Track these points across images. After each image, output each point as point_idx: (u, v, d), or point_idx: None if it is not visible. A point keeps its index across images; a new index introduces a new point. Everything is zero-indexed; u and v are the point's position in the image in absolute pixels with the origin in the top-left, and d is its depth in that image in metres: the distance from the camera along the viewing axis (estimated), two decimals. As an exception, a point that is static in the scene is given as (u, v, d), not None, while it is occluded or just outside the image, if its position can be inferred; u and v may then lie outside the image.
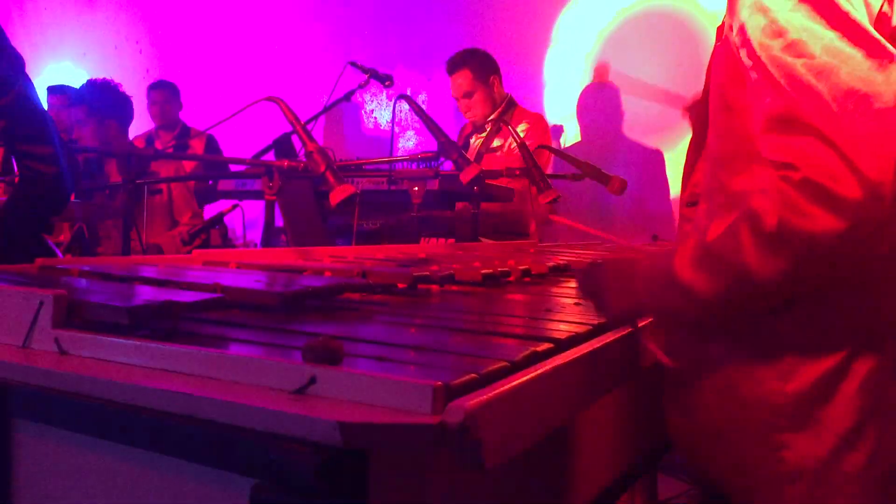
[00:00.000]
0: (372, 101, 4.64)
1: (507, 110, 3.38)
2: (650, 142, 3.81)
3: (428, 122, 2.22)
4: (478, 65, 3.34)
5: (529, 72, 4.10)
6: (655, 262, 0.89)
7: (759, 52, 0.80)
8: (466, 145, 3.45)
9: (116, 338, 0.74)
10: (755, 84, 0.81)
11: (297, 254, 1.61)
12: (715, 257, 0.81)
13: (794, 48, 0.78)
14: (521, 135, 3.23)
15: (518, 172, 2.44)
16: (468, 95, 3.37)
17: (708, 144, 0.93)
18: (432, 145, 2.76)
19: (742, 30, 0.83)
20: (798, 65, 0.77)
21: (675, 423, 0.99)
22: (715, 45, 0.94)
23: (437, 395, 0.59)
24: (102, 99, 3.30)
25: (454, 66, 3.38)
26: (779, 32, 0.79)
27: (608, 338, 0.90)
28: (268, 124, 4.94)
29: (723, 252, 0.81)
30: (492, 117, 3.31)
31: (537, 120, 3.37)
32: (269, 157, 2.74)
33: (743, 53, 0.83)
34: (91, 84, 3.35)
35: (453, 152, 2.15)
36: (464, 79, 3.35)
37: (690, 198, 1.11)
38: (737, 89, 0.86)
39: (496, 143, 3.32)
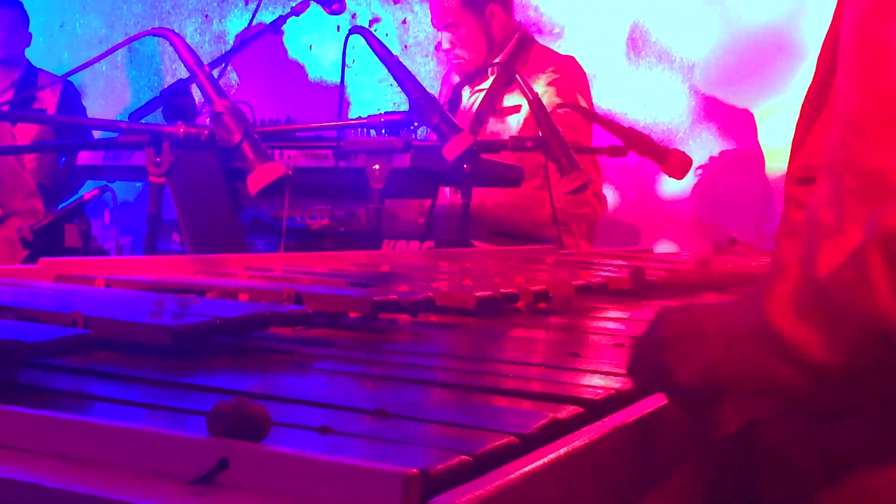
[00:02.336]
0: (312, 35, 4.64)
1: (519, 51, 3.42)
2: (735, 97, 3.85)
3: (395, 67, 2.23)
4: None
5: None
6: (737, 308, 0.89)
7: None
8: (456, 103, 3.47)
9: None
10: None
11: (198, 264, 1.62)
12: (832, 300, 0.79)
13: None
14: (544, 88, 3.25)
15: (530, 144, 2.45)
16: (452, 28, 3.39)
17: (834, 99, 0.91)
18: (402, 104, 2.77)
19: None
20: None
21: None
22: None
23: (409, 488, 0.59)
24: None
25: None
26: None
27: (663, 399, 0.90)
28: (158, 73, 4.98)
29: (845, 292, 0.78)
30: (497, 60, 3.34)
31: (568, 65, 3.40)
32: (157, 118, 2.73)
33: None
34: None
35: (433, 114, 2.16)
36: (448, 2, 3.38)
37: (803, 172, 1.09)
38: (885, 20, 0.83)
39: (511, 100, 3.32)
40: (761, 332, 0.84)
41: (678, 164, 2.68)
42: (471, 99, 3.44)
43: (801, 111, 1.12)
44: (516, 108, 3.28)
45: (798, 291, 0.82)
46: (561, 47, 3.80)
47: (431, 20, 3.49)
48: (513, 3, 3.53)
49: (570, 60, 3.43)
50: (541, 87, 3.27)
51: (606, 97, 3.97)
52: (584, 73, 3.46)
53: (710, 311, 0.92)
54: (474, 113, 3.39)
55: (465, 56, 3.40)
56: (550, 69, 3.33)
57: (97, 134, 3.65)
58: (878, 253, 0.77)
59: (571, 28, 4.20)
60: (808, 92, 1.10)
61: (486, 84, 3.41)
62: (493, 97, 3.37)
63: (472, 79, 3.43)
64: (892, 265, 0.76)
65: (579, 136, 3.19)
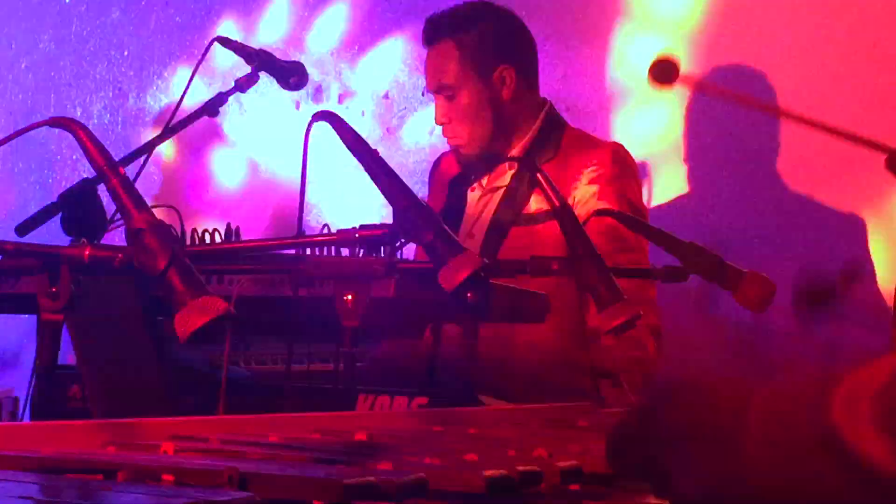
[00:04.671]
0: (263, 118, 4.75)
1: (546, 135, 3.48)
2: (834, 199, 3.91)
3: (373, 165, 2.29)
4: (477, 36, 3.44)
5: (587, 63, 4.21)
6: (788, 404, 0.94)
7: None
8: (459, 206, 3.52)
9: None
10: None
11: (106, 432, 1.61)
12: None
13: None
14: (584, 191, 3.31)
15: (556, 266, 2.48)
16: (446, 92, 3.44)
17: None
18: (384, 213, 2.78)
19: None
20: None
21: None
22: None
23: None
24: None
25: (434, 30, 3.48)
26: None
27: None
28: (51, 166, 4.99)
29: None
30: (514, 153, 3.39)
31: (615, 158, 3.41)
32: (52, 232, 2.78)
33: None
34: None
35: (425, 229, 2.21)
36: (444, 57, 3.44)
37: None
38: None
39: (541, 202, 3.30)
40: (824, 438, 0.89)
41: (757, 291, 2.68)
42: (481, 201, 3.48)
43: None
44: (549, 214, 3.24)
45: (881, 401, 0.88)
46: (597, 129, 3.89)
47: (426, 79, 3.52)
48: (536, 70, 3.53)
49: (618, 149, 3.46)
50: (581, 190, 3.32)
51: (660, 193, 4.07)
52: (636, 168, 3.51)
53: (739, 399, 0.97)
54: (489, 221, 3.43)
55: (464, 136, 3.42)
56: (593, 163, 3.35)
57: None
58: None
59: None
60: None
61: (503, 180, 3.44)
62: (515, 198, 3.40)
63: (474, 171, 3.47)
64: None
65: (629, 251, 3.23)
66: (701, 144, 4.15)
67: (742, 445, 0.94)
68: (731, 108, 3.97)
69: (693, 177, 4.16)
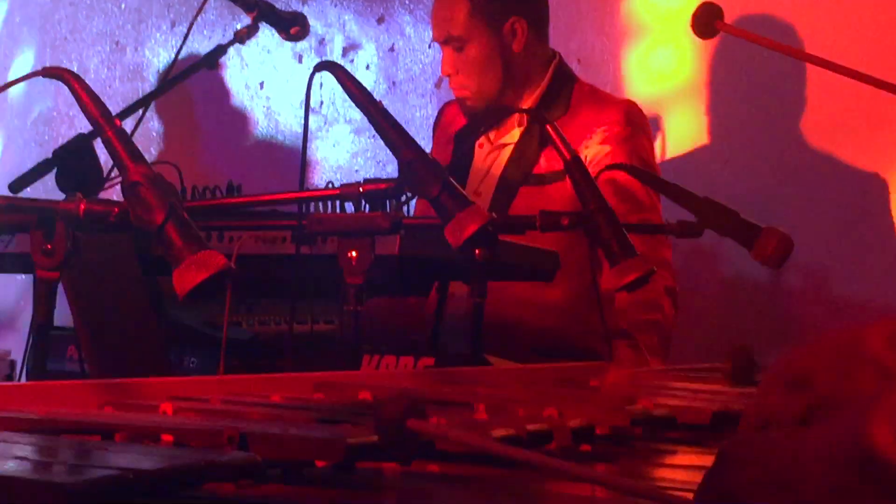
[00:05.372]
0: (263, 70, 4.72)
1: (556, 90, 3.45)
2: (857, 158, 3.88)
3: (378, 117, 2.26)
4: None
5: (597, 13, 4.17)
6: (848, 437, 0.90)
7: None
8: (465, 160, 3.50)
9: None
10: None
11: (104, 393, 1.62)
12: None
13: None
14: (596, 149, 3.29)
15: (567, 222, 2.46)
16: (455, 44, 3.41)
17: None
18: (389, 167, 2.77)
19: None
20: None
21: None
22: None
23: None
24: None
25: None
26: None
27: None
28: (48, 121, 5.01)
29: None
30: (524, 106, 3.37)
31: (628, 118, 3.40)
32: (48, 188, 2.76)
33: None
34: None
35: (432, 182, 2.18)
36: (453, 7, 3.41)
37: None
38: None
39: (554, 161, 3.25)
40: (860, 459, 0.87)
41: (774, 246, 2.67)
42: (489, 157, 3.47)
43: None
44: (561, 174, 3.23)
45: None
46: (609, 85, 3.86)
47: (433, 29, 3.50)
48: (548, 21, 3.52)
49: (631, 108, 3.45)
50: (593, 149, 3.30)
51: (673, 147, 4.03)
52: (648, 126, 3.50)
53: (793, 443, 0.94)
54: (497, 179, 3.41)
55: (472, 87, 3.40)
56: (605, 122, 3.34)
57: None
58: None
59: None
60: None
61: (512, 137, 3.44)
62: (525, 156, 3.39)
63: (482, 123, 3.45)
64: None
65: (642, 210, 3.22)
66: (719, 96, 4.12)
67: (804, 486, 0.93)
68: (754, 59, 3.94)
69: (709, 130, 4.14)
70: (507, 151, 3.43)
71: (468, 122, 3.51)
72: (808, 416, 1.01)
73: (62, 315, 2.97)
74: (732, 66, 4.06)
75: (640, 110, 3.48)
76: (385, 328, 3.20)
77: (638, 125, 3.42)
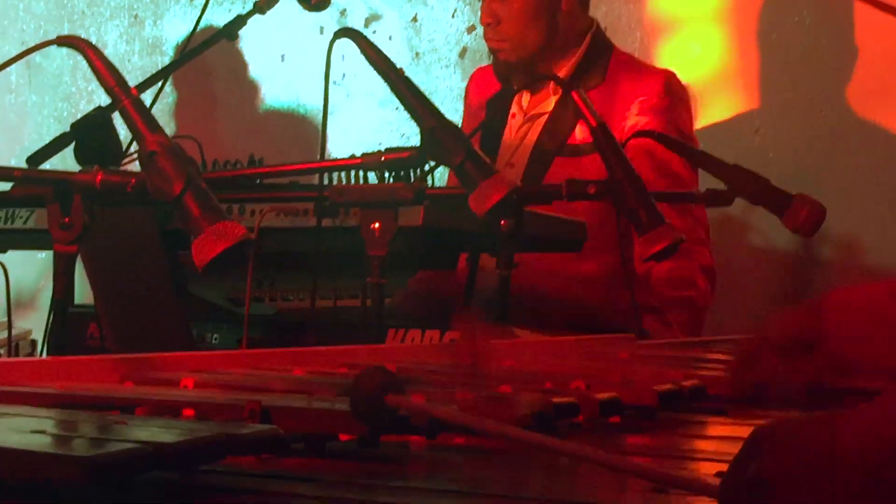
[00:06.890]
0: (283, 42, 4.73)
1: (593, 59, 3.42)
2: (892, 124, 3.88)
3: (400, 85, 2.26)
4: None
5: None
6: (890, 425, 0.90)
7: None
8: (497, 129, 3.48)
9: None
10: None
11: (124, 367, 1.62)
12: None
13: None
14: (634, 120, 3.27)
15: (593, 190, 2.46)
16: None
17: None
18: (412, 136, 2.75)
19: None
20: None
21: None
22: None
23: None
24: None
25: None
26: None
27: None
28: (68, 97, 5.01)
29: None
30: (563, 74, 3.33)
31: (667, 88, 3.38)
32: (66, 161, 2.77)
33: None
34: None
35: (455, 150, 2.18)
36: None
37: None
38: None
39: (581, 134, 3.24)
40: None
41: (807, 213, 2.67)
42: (522, 128, 3.45)
43: None
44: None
45: None
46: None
47: None
48: None
49: (670, 78, 3.42)
50: (632, 121, 3.28)
51: (703, 116, 4.02)
52: (687, 97, 3.47)
53: (828, 430, 0.94)
54: (531, 150, 3.39)
55: (513, 39, 3.36)
56: (643, 94, 3.33)
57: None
58: None
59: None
60: None
61: (546, 106, 3.42)
62: (559, 126, 3.36)
63: (514, 82, 3.41)
64: None
65: (674, 179, 3.22)
66: (750, 62, 4.13)
67: (848, 480, 0.91)
68: (788, 22, 3.92)
69: (740, 97, 4.13)
70: (541, 121, 3.42)
71: (501, 89, 3.49)
72: (820, 378, 1.02)
73: (83, 294, 3.00)
74: (764, 31, 4.04)
75: (680, 81, 3.47)
76: (429, 304, 3.20)
77: (677, 96, 3.41)
